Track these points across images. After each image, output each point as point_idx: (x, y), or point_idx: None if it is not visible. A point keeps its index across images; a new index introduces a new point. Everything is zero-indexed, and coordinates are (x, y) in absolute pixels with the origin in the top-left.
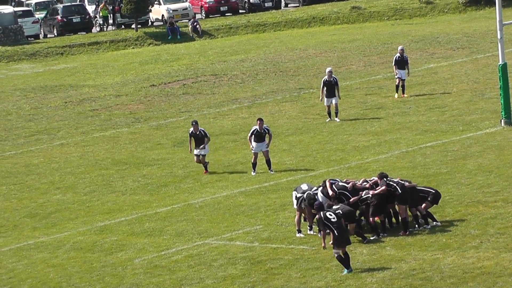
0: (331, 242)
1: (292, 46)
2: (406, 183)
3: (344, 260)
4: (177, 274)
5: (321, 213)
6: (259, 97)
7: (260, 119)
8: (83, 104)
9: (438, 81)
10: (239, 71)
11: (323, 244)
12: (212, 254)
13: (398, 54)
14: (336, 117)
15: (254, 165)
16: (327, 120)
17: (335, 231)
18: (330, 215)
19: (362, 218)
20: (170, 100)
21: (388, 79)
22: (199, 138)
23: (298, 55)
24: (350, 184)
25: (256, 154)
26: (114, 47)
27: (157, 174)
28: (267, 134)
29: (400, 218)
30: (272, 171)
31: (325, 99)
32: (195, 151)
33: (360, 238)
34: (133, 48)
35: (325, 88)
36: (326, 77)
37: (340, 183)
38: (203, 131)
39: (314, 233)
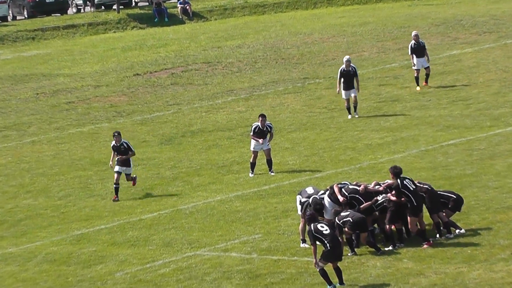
0: (320, 254)
1: (295, 30)
2: (425, 186)
3: (325, 275)
4: None
5: (312, 225)
6: (258, 88)
7: (263, 115)
8: (57, 95)
9: (462, 70)
10: (235, 58)
11: (314, 261)
12: (204, 267)
13: (413, 41)
14: (355, 111)
15: (253, 165)
16: (349, 117)
17: (328, 245)
18: (322, 227)
19: (376, 226)
20: (157, 91)
21: (405, 68)
22: (122, 152)
23: (303, 40)
24: (362, 186)
25: (255, 153)
26: (93, 31)
27: (141, 176)
28: (269, 133)
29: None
30: (273, 172)
31: (343, 92)
32: (116, 168)
33: (373, 249)
34: (114, 32)
35: (342, 80)
36: (343, 66)
37: (350, 186)
38: (126, 143)
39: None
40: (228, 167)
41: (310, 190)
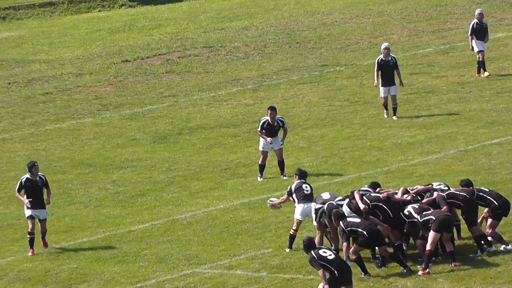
0: (327, 279)
1: (312, 9)
2: (462, 194)
3: None
4: None
5: (312, 252)
6: (268, 77)
7: (272, 108)
8: (32, 85)
9: (509, 55)
10: (241, 42)
11: (323, 286)
12: (205, 287)
13: (475, 20)
14: (394, 114)
15: (262, 168)
16: (385, 117)
17: (335, 272)
18: (325, 252)
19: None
20: (149, 80)
21: (441, 53)
22: (37, 189)
23: (321, 21)
24: (384, 193)
25: (265, 154)
26: (74, 10)
27: (131, 180)
28: (281, 128)
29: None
30: (285, 176)
31: (381, 88)
32: (29, 212)
33: (402, 267)
34: (99, 10)
35: (380, 73)
36: (381, 56)
37: (373, 194)
38: (43, 177)
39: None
40: (232, 170)
41: (326, 195)
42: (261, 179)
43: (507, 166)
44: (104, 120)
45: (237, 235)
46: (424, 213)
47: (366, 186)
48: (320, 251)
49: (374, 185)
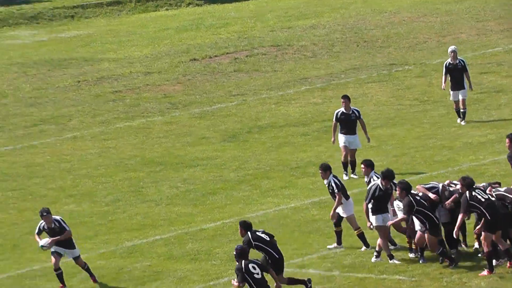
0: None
1: (379, 8)
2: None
3: None
4: None
5: (243, 262)
6: (336, 76)
7: (346, 96)
8: (101, 84)
9: None
10: (308, 40)
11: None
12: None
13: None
14: (463, 119)
15: (345, 165)
16: (458, 121)
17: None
18: (254, 268)
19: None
20: (218, 79)
21: (510, 53)
22: (56, 234)
23: (388, 20)
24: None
25: (346, 149)
26: (142, 8)
27: (201, 179)
28: (357, 120)
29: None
30: (355, 175)
31: (451, 92)
32: (53, 248)
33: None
34: (166, 9)
35: (448, 76)
36: (449, 59)
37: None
38: (59, 221)
39: (415, 256)
40: (302, 169)
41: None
42: (347, 177)
43: None
44: (173, 119)
45: (308, 234)
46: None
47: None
48: (250, 265)
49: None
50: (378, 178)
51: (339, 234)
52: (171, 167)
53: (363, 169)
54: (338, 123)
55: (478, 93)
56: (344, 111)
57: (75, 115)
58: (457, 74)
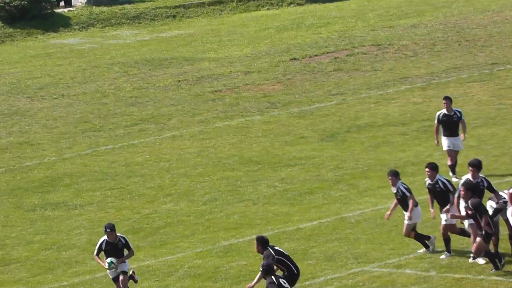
0: None
1: (482, 7)
2: None
3: None
4: None
5: (273, 277)
6: (437, 75)
7: (447, 98)
8: (201, 83)
9: None
10: (409, 40)
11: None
12: (374, 286)
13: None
14: None
15: (452, 167)
16: None
17: None
18: (284, 283)
19: None
20: (317, 78)
21: None
22: (118, 250)
23: (491, 19)
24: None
25: (451, 153)
26: (243, 8)
27: (299, 178)
28: (460, 120)
29: None
30: (456, 177)
31: None
32: (113, 273)
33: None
34: (268, 9)
35: None
36: None
37: None
38: (124, 238)
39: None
40: (401, 169)
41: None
42: (456, 179)
43: None
44: (272, 118)
45: None
46: None
47: None
48: (280, 280)
49: None
50: (405, 189)
51: (447, 242)
52: (269, 167)
53: (390, 180)
54: (440, 125)
55: None
56: (446, 112)
57: (174, 115)
58: None
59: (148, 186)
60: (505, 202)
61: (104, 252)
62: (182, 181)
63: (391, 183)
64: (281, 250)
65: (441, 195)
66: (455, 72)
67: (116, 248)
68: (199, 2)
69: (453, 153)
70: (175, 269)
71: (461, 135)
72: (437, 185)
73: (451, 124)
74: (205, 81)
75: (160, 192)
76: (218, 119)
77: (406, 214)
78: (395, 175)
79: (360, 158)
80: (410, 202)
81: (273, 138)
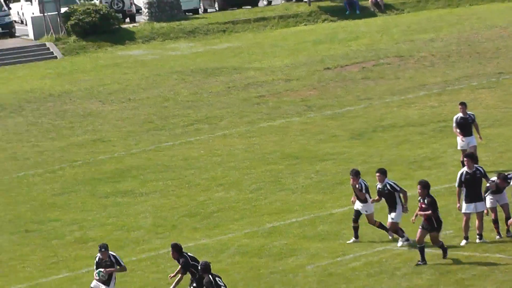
0: None
1: (491, 23)
2: None
3: None
4: (354, 284)
5: (210, 276)
6: (451, 83)
7: (463, 103)
8: (248, 89)
9: None
10: (427, 52)
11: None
12: (395, 262)
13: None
14: None
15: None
16: None
17: None
18: (220, 281)
19: None
20: (347, 85)
21: None
22: (108, 266)
23: (498, 34)
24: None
25: (464, 152)
26: (284, 24)
27: (331, 171)
28: (473, 123)
29: None
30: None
31: None
32: (94, 283)
33: None
34: (305, 25)
35: None
36: None
37: None
38: (115, 256)
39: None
40: (419, 163)
41: None
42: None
43: None
44: (308, 119)
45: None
46: None
47: None
48: (216, 278)
49: None
50: (394, 184)
51: (356, 229)
52: (306, 161)
53: (378, 177)
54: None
55: None
56: (462, 115)
57: (225, 116)
58: None
59: (203, 177)
60: (493, 181)
61: (96, 265)
62: (232, 173)
63: (378, 180)
64: (194, 256)
65: (389, 196)
66: (467, 80)
67: (105, 264)
68: (246, 19)
69: (467, 150)
70: (227, 247)
71: (477, 136)
72: (385, 188)
73: (466, 126)
74: (251, 87)
75: (213, 182)
76: (262, 120)
77: (398, 210)
78: (383, 173)
79: (384, 154)
80: (405, 194)
81: (309, 136)
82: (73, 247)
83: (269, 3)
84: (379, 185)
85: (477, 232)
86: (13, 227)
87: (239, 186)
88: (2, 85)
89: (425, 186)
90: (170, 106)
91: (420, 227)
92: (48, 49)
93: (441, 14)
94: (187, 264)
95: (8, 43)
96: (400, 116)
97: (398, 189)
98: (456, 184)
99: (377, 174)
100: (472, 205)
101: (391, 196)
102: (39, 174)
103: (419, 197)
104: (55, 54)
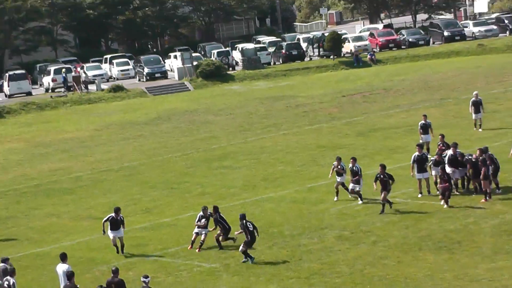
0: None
1: (437, 70)
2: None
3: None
4: (357, 219)
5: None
6: (414, 104)
7: (424, 115)
8: (298, 108)
9: None
10: (400, 87)
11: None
12: (380, 209)
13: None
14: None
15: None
16: None
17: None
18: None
19: None
20: (354, 105)
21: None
22: (118, 222)
23: (441, 76)
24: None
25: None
26: (319, 71)
27: (345, 154)
28: (430, 127)
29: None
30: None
31: (473, 114)
32: (111, 234)
33: None
34: (331, 71)
35: (473, 108)
36: (473, 98)
37: None
38: (121, 218)
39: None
40: (395, 150)
41: None
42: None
43: None
44: (332, 125)
45: None
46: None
47: None
48: (247, 223)
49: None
50: (359, 169)
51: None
52: (330, 149)
53: (352, 161)
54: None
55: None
56: (424, 122)
57: (284, 123)
58: (476, 106)
59: (271, 158)
60: (433, 159)
61: (109, 222)
62: (288, 156)
63: (351, 162)
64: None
65: (355, 174)
66: (423, 102)
67: (116, 220)
68: (297, 68)
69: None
70: (284, 198)
71: (431, 134)
72: (354, 168)
73: (425, 129)
74: (300, 107)
75: (277, 161)
76: (306, 125)
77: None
78: (355, 160)
79: (376, 145)
80: (361, 179)
81: (332, 134)
82: (197, 198)
83: (310, 59)
84: (350, 165)
85: (427, 189)
86: (163, 186)
87: (292, 163)
88: (166, 106)
89: (383, 167)
90: (253, 117)
91: (380, 191)
92: (186, 85)
93: (409, 65)
94: (219, 219)
95: (163, 82)
96: (385, 123)
97: (360, 173)
98: (411, 162)
99: (351, 159)
100: (421, 174)
101: (357, 174)
102: (178, 156)
103: (379, 174)
104: (189, 88)
